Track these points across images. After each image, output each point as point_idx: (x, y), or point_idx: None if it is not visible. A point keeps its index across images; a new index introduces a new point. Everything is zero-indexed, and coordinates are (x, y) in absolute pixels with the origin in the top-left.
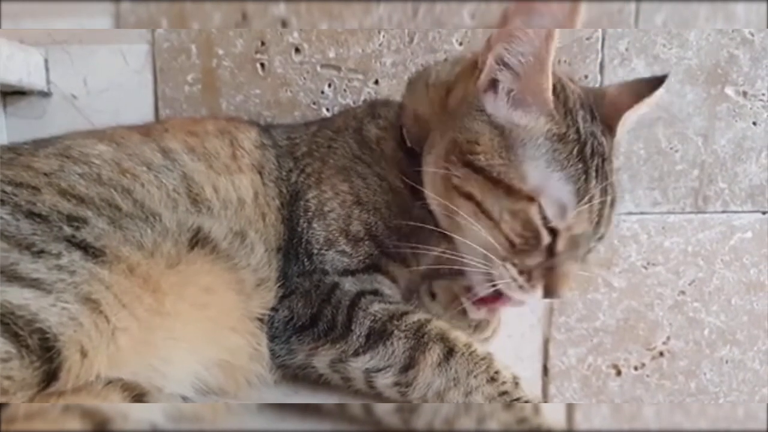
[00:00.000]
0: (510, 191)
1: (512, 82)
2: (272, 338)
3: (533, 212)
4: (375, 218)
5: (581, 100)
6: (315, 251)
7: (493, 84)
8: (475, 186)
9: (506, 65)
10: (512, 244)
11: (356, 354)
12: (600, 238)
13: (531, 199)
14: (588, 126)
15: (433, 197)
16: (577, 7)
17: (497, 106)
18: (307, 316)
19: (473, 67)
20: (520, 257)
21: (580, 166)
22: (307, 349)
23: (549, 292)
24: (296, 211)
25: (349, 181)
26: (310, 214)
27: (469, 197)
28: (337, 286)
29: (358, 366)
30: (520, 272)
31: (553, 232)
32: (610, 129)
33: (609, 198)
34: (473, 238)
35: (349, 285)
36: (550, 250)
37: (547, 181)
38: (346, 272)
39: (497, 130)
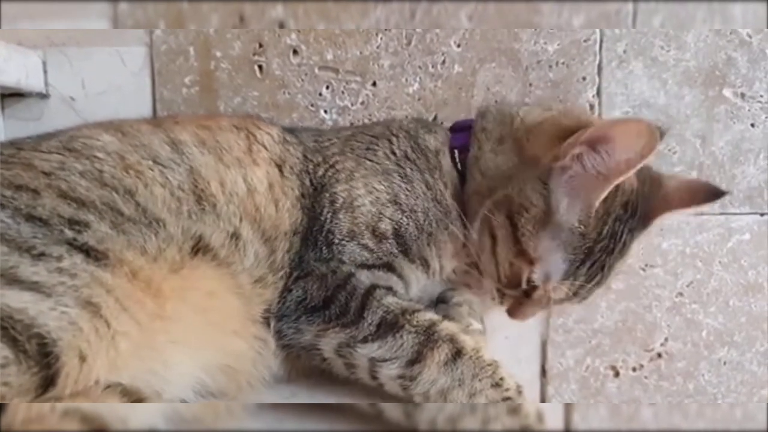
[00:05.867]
0: (520, 251)
1: (580, 176)
2: (281, 317)
3: (525, 271)
4: (407, 220)
5: (628, 198)
6: (336, 241)
7: (565, 168)
8: (500, 233)
9: (583, 162)
10: (499, 280)
11: (365, 341)
12: (575, 302)
13: (530, 262)
14: (615, 227)
15: (474, 227)
16: (653, 140)
17: (558, 185)
18: (321, 297)
19: (562, 135)
20: (501, 285)
21: (582, 256)
22: (316, 330)
23: (509, 313)
24: (321, 201)
25: (389, 181)
26: (337, 205)
27: (493, 237)
28: (352, 275)
29: (364, 353)
30: (497, 291)
31: (533, 287)
32: (646, 221)
33: (594, 282)
34: (481, 261)
35: (365, 277)
36: (527, 293)
37: (550, 256)
38: (363, 266)
39: (546, 206)
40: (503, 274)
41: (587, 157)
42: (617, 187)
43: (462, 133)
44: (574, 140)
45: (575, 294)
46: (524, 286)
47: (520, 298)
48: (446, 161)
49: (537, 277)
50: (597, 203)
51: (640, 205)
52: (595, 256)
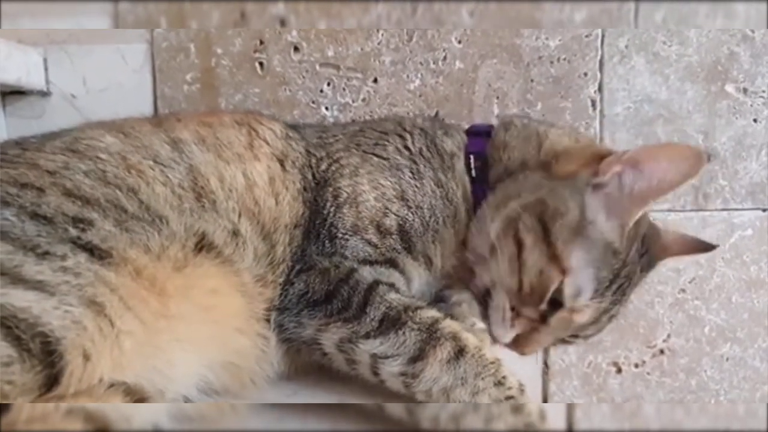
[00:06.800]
0: (554, 257)
1: (616, 195)
2: (282, 310)
3: (555, 281)
4: (413, 216)
5: (645, 233)
6: (339, 235)
7: (602, 185)
8: (530, 238)
9: (621, 181)
10: (519, 291)
11: (367, 336)
12: (583, 337)
13: (563, 271)
14: (634, 256)
15: (491, 228)
16: (699, 163)
17: (594, 201)
18: (323, 292)
19: (595, 159)
20: (518, 300)
21: (611, 276)
22: (318, 324)
23: (517, 342)
24: (324, 196)
25: (396, 177)
26: (340, 199)
27: (519, 243)
28: (355, 270)
29: (366, 349)
30: (512, 308)
31: (554, 307)
32: (651, 263)
33: (612, 312)
34: (496, 268)
35: (367, 273)
36: (543, 317)
37: (583, 269)
38: (366, 261)
39: (581, 215)
40: (528, 284)
41: (627, 175)
42: (644, 218)
43: (479, 138)
44: (615, 158)
45: (595, 321)
46: (546, 300)
47: (535, 322)
48: (460, 165)
49: (568, 290)
50: (631, 223)
51: (650, 248)
52: (621, 281)
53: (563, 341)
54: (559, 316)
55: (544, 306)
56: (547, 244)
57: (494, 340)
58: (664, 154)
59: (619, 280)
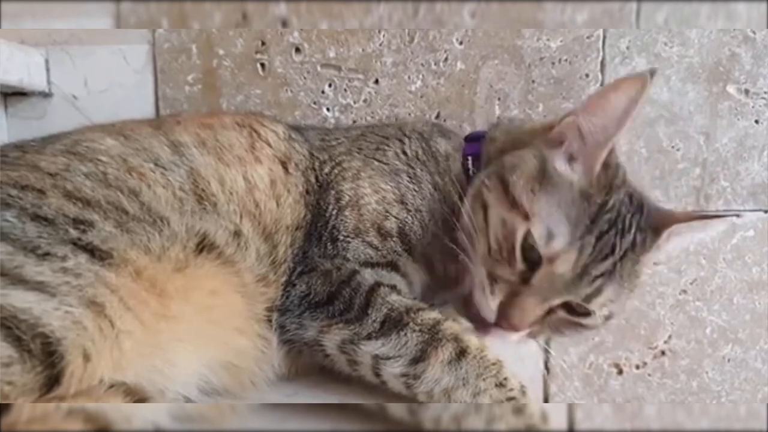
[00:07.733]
0: (513, 204)
1: (577, 145)
2: (284, 311)
3: (521, 228)
4: (412, 219)
5: (632, 192)
6: (341, 237)
7: (561, 142)
8: (492, 196)
9: (581, 130)
10: (489, 249)
11: (369, 338)
12: (581, 302)
13: (525, 217)
14: (621, 209)
15: (464, 210)
16: (644, 84)
17: (554, 154)
18: (325, 293)
19: (551, 126)
20: (493, 264)
21: (587, 221)
22: (320, 326)
23: (502, 312)
24: (326, 198)
25: (396, 181)
26: (342, 202)
27: (484, 206)
28: (357, 272)
29: (368, 350)
30: (488, 275)
31: (532, 265)
32: (656, 230)
33: (604, 267)
34: (472, 243)
35: (368, 275)
36: (525, 279)
37: (550, 212)
38: (367, 263)
39: (540, 164)
40: (494, 239)
41: (584, 122)
42: (616, 167)
43: (477, 142)
44: (569, 112)
45: (582, 274)
46: (518, 253)
47: (515, 284)
48: (456, 166)
49: (537, 233)
50: (598, 165)
51: (645, 206)
52: (602, 227)
53: (566, 325)
54: (539, 273)
55: (520, 265)
56: (506, 194)
57: (484, 325)
58: (610, 89)
59: (600, 226)
